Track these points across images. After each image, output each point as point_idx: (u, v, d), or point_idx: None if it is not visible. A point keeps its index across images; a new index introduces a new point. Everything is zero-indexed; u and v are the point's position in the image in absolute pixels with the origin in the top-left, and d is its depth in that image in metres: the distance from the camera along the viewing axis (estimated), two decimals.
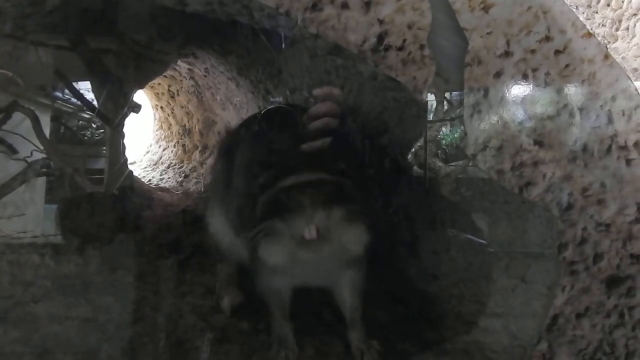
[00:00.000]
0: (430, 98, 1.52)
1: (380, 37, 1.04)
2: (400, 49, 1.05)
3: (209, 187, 1.63)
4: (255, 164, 1.06)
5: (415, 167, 1.56)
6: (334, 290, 1.23)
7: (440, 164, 1.61)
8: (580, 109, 1.04)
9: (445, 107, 1.69)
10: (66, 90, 1.89)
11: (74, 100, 1.91)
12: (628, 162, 1.03)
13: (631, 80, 1.03)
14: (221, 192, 1.29)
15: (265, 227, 1.01)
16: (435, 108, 1.68)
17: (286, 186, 0.99)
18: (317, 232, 0.98)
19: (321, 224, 0.98)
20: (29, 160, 1.72)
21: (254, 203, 1.04)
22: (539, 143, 1.05)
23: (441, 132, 1.72)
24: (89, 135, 2.21)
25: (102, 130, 2.10)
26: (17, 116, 1.68)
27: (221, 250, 1.35)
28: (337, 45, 1.05)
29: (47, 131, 1.79)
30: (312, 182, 0.98)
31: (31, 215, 1.80)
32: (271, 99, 1.74)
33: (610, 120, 1.03)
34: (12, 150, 1.74)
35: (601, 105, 1.03)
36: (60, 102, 1.99)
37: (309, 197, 0.98)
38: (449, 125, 1.70)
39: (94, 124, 2.17)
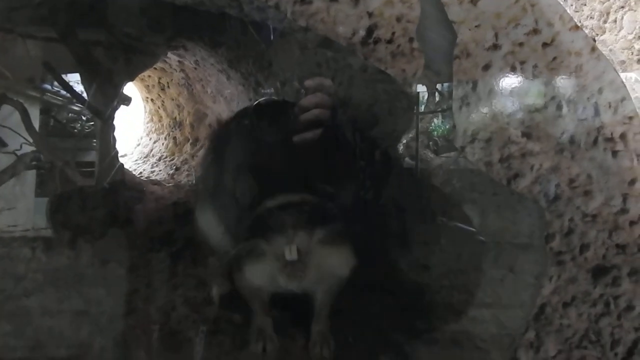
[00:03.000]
0: (422, 89, 1.53)
1: (370, 30, 1.04)
2: (390, 41, 1.05)
3: (199, 181, 1.63)
4: (243, 178, 1.09)
5: (406, 159, 1.57)
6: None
7: (431, 155, 1.61)
8: (568, 101, 1.05)
9: (437, 99, 1.70)
10: (55, 83, 1.88)
11: (63, 92, 1.89)
12: (614, 153, 1.04)
13: (618, 73, 1.04)
14: (212, 186, 1.29)
15: (247, 246, 1.04)
16: (427, 99, 1.69)
17: (270, 207, 1.01)
18: (298, 252, 0.99)
19: (303, 246, 1.00)
20: (19, 153, 1.71)
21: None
22: (527, 135, 1.06)
23: (432, 124, 1.72)
24: (79, 128, 2.20)
25: (92, 123, 2.09)
26: (6, 109, 1.67)
27: (209, 244, 1.35)
28: (326, 37, 1.05)
29: (36, 124, 1.78)
30: (295, 203, 1.01)
31: (22, 209, 1.80)
32: (262, 91, 1.74)
33: (597, 113, 1.04)
34: (1, 144, 1.73)
35: (588, 98, 1.04)
36: (49, 94, 1.98)
37: (292, 218, 1.00)
38: (440, 117, 1.71)
39: (84, 116, 2.16)
